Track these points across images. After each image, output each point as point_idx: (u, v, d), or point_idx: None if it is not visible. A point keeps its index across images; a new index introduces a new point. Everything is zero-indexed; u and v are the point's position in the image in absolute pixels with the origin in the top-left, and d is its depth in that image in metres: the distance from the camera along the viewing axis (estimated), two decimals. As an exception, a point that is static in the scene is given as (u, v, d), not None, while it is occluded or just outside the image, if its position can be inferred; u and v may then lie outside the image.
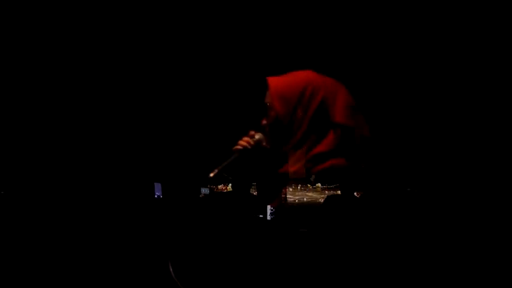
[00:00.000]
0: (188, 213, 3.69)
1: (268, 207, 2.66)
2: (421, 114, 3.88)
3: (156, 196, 3.87)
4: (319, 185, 2.51)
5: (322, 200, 2.49)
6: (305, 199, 2.52)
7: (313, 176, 2.60)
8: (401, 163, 3.27)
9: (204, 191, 3.05)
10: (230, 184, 2.72)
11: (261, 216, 2.65)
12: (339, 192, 2.50)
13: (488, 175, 3.76)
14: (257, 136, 2.68)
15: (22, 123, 4.26)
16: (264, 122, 2.68)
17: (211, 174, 2.59)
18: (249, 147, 2.64)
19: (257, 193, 2.63)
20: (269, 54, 4.00)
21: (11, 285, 3.79)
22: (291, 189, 2.51)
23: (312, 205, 2.50)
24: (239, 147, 2.65)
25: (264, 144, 2.66)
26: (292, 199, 2.52)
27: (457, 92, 3.86)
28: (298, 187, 2.52)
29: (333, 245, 2.44)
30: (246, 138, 2.66)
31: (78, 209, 4.17)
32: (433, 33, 3.79)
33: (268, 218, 2.64)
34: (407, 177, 3.06)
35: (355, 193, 2.51)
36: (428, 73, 3.84)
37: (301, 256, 2.48)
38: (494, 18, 3.73)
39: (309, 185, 2.52)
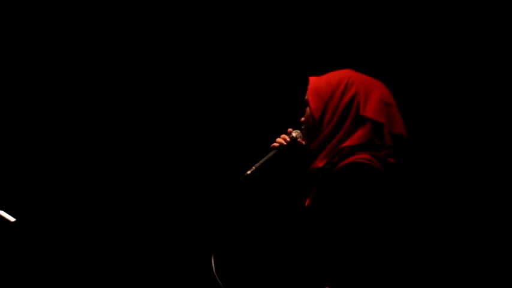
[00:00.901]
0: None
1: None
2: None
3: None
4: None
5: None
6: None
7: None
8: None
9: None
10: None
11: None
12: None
13: (487, 176, 3.77)
14: (294, 133, 2.72)
15: (23, 125, 4.26)
16: (302, 119, 2.78)
17: (249, 172, 2.67)
18: (285, 143, 2.73)
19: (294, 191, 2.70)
20: (317, 55, 4.07)
21: (11, 285, 3.93)
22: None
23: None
24: (276, 144, 2.75)
25: (300, 140, 2.75)
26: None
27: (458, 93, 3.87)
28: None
29: (334, 244, 2.49)
30: (283, 136, 2.75)
31: (80, 210, 4.23)
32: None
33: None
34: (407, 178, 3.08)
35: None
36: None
37: (301, 254, 2.54)
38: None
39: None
